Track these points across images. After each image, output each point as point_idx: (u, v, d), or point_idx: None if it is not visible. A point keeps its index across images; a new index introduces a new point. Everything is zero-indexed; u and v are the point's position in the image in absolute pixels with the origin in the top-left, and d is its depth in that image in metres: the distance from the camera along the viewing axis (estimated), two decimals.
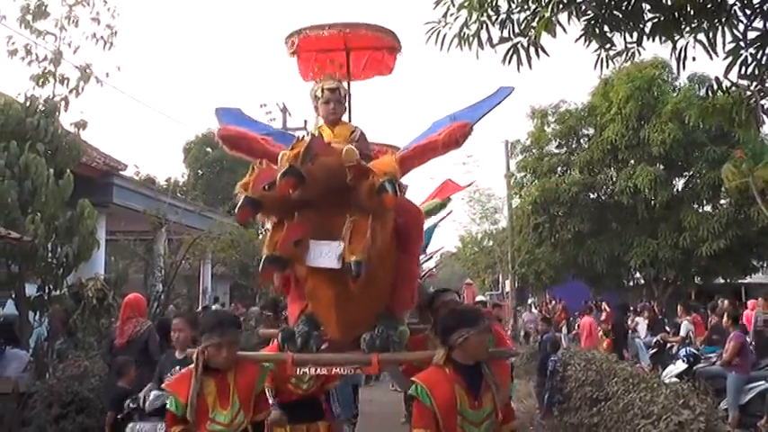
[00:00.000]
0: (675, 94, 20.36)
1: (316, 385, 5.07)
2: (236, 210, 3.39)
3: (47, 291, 9.17)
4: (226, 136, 3.97)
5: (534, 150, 24.17)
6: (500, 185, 26.99)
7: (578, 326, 20.05)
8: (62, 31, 9.69)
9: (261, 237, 22.00)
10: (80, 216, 9.12)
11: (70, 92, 9.60)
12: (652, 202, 20.43)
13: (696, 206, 20.49)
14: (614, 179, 21.65)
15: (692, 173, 20.65)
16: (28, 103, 9.23)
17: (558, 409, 9.44)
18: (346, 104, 4.53)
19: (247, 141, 3.99)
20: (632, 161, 20.86)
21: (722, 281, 22.00)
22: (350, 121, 4.62)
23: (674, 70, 19.62)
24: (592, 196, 22.53)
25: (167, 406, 3.72)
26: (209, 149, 38.28)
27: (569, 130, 23.10)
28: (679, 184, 21.37)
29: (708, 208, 20.70)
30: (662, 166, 20.21)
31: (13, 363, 8.20)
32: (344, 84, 4.54)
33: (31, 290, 9.12)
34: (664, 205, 20.11)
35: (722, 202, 19.90)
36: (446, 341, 3.47)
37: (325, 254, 3.36)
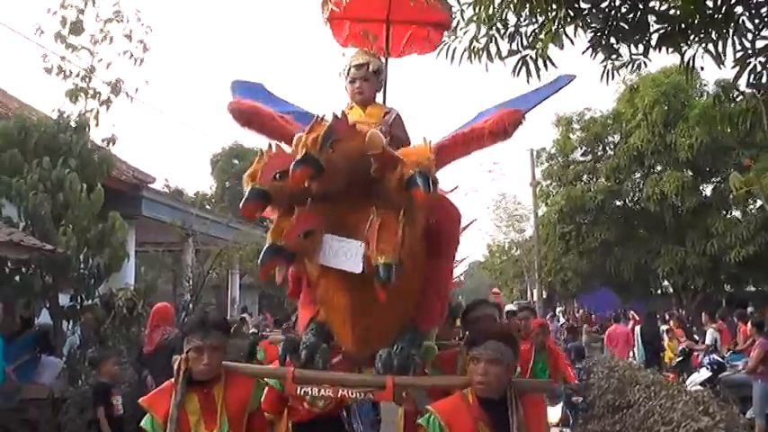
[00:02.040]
0: (703, 99, 20.23)
1: (334, 402, 4.04)
2: (241, 203, 2.90)
3: (79, 301, 9.41)
4: (236, 110, 3.55)
5: (560, 158, 24.17)
6: (526, 194, 26.97)
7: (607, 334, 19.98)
8: (96, 46, 9.88)
9: None
10: (111, 228, 9.36)
11: (101, 105, 9.84)
12: (679, 208, 20.32)
13: (724, 212, 20.28)
14: (641, 186, 21.57)
15: (720, 178, 20.48)
16: (60, 119, 9.50)
17: (581, 417, 9.46)
18: (381, 80, 4.00)
19: (261, 117, 3.56)
20: (659, 167, 20.80)
21: (753, 288, 21.71)
22: (384, 103, 4.08)
23: (699, 75, 19.49)
24: (618, 203, 22.45)
25: (141, 423, 3.13)
26: (236, 161, 38.76)
27: (595, 137, 23.07)
28: (707, 189, 21.24)
29: (736, 213, 20.48)
30: (689, 172, 20.11)
31: (48, 370, 8.47)
32: (380, 59, 4.01)
33: (64, 300, 9.37)
34: (691, 211, 20.00)
35: (750, 207, 19.67)
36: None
37: (344, 253, 2.87)
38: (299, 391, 3.17)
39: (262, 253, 2.84)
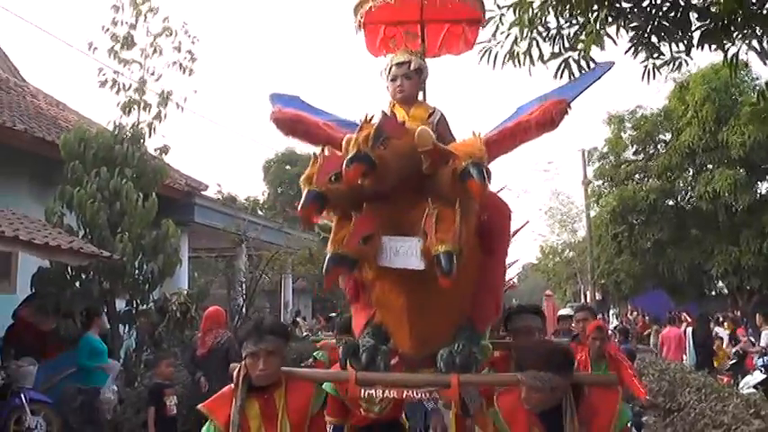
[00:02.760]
0: (755, 94, 19.71)
1: (391, 406, 4.13)
2: (299, 207, 2.87)
3: (135, 305, 9.79)
4: (280, 119, 3.55)
5: (611, 157, 23.92)
6: (578, 194, 26.66)
7: (661, 337, 19.60)
8: (146, 59, 10.28)
9: None
10: (165, 235, 9.70)
11: (154, 118, 10.21)
12: (733, 207, 19.89)
13: None
14: (693, 184, 21.17)
15: None
16: (116, 131, 9.89)
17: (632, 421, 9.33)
18: (423, 79, 3.91)
19: (305, 125, 3.56)
20: (711, 165, 20.40)
21: None
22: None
23: (753, 71, 19.06)
24: (670, 203, 22.08)
25: (203, 430, 3.11)
26: (288, 167, 39.22)
27: (646, 135, 22.76)
28: (762, 187, 20.82)
29: None
30: (742, 169, 19.62)
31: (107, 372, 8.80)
32: (421, 57, 3.92)
33: (120, 305, 9.75)
34: (746, 210, 19.55)
35: None
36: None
37: (403, 252, 2.85)
38: (362, 394, 3.19)
39: (325, 263, 2.81)
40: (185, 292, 10.78)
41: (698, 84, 19.81)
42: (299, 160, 38.47)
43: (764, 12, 4.59)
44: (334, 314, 9.33)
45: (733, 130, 19.17)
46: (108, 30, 10.14)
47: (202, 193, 15.64)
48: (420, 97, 3.92)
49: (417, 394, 3.14)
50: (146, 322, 9.86)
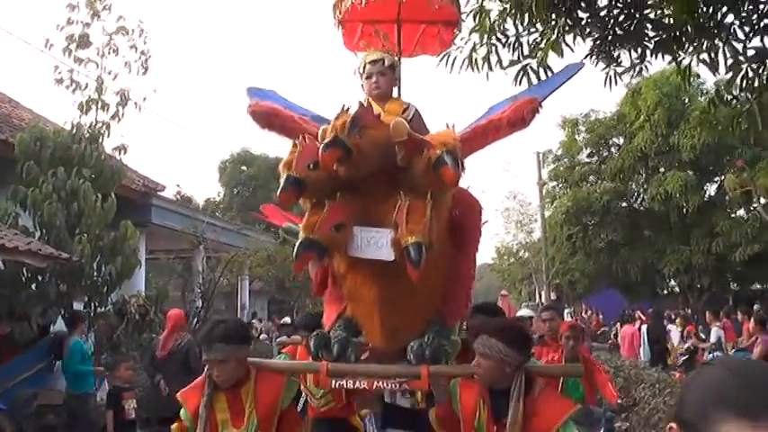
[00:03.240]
0: (703, 99, 20.33)
1: (335, 404, 4.15)
2: (278, 192, 2.91)
3: (93, 308, 9.62)
4: (257, 112, 3.57)
5: (566, 159, 24.34)
6: (533, 196, 27.07)
7: (614, 335, 20.08)
8: (103, 58, 10.13)
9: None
10: (123, 236, 9.58)
11: (111, 118, 10.07)
12: (684, 208, 20.43)
13: (728, 211, 20.37)
14: (645, 186, 21.70)
15: (722, 177, 20.57)
16: (74, 131, 9.73)
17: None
18: (397, 76, 3.97)
19: (281, 119, 3.57)
20: (663, 168, 20.88)
21: (759, 286, 21.79)
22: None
23: (701, 77, 19.65)
24: (623, 204, 22.58)
25: (180, 413, 3.25)
26: (244, 168, 38.86)
27: (599, 138, 23.22)
28: (710, 188, 21.42)
29: (741, 212, 20.58)
30: (692, 172, 20.17)
31: (63, 376, 8.67)
32: (393, 55, 3.98)
33: (77, 307, 9.55)
34: (696, 211, 20.11)
35: (755, 205, 19.82)
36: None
37: (374, 243, 2.90)
38: (333, 384, 3.19)
39: (295, 248, 2.86)
40: (144, 295, 10.66)
41: (650, 89, 20.30)
42: (255, 161, 38.28)
43: (712, 25, 4.80)
44: (288, 320, 9.30)
45: (684, 133, 19.68)
46: (63, 28, 9.97)
47: (159, 193, 15.48)
48: (395, 94, 3.97)
49: (388, 385, 3.18)
50: (104, 325, 9.72)
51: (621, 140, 22.97)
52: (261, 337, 16.42)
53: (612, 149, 23.51)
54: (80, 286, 9.37)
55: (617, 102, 23.09)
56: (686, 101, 20.27)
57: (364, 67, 3.82)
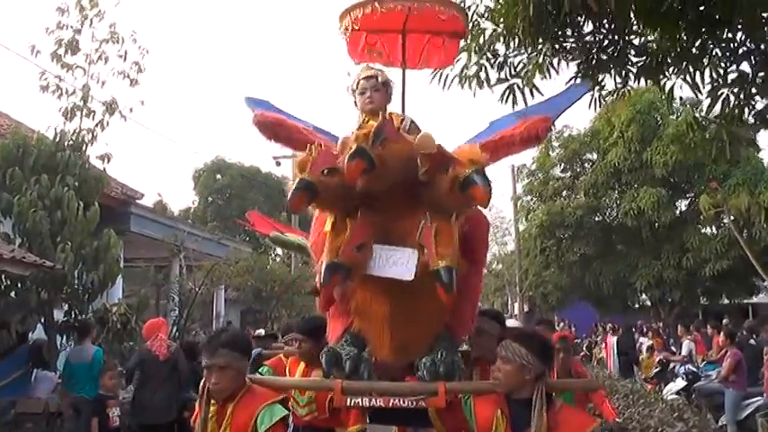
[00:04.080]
0: (675, 117, 20.71)
1: (318, 414, 4.11)
2: (289, 194, 2.87)
3: (73, 316, 9.57)
4: (262, 122, 3.57)
5: (540, 174, 24.58)
6: (507, 209, 27.41)
7: (585, 347, 20.43)
8: (91, 65, 10.06)
9: (273, 263, 22.42)
10: (106, 245, 9.55)
11: (96, 126, 10.02)
12: (656, 223, 20.73)
13: (699, 227, 20.78)
14: (618, 202, 22.00)
15: (694, 194, 20.99)
16: (58, 138, 9.67)
17: None
18: (390, 92, 3.94)
19: (287, 130, 3.60)
20: (635, 184, 21.15)
21: (727, 301, 22.22)
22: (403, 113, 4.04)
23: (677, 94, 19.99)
24: (597, 219, 22.87)
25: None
26: (218, 176, 38.70)
27: (573, 154, 23.52)
28: (682, 205, 21.77)
29: (711, 229, 20.98)
30: (665, 189, 20.50)
31: (43, 384, 8.62)
32: (391, 70, 4.02)
33: (58, 315, 9.53)
34: (667, 227, 20.38)
35: (725, 222, 20.25)
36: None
37: (394, 262, 2.89)
38: (349, 403, 3.13)
39: (323, 273, 2.84)
40: (125, 303, 10.63)
41: (624, 106, 20.53)
42: (229, 169, 38.20)
43: (694, 50, 5.00)
44: (262, 332, 9.39)
45: (656, 150, 19.94)
46: (52, 32, 9.89)
47: (138, 202, 15.43)
48: (398, 106, 4.03)
49: (404, 402, 3.07)
50: None
51: (595, 156, 23.31)
52: None
53: (586, 165, 23.84)
54: (61, 294, 9.33)
55: (591, 118, 23.46)
56: (659, 118, 20.60)
57: (358, 84, 3.86)
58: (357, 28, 3.94)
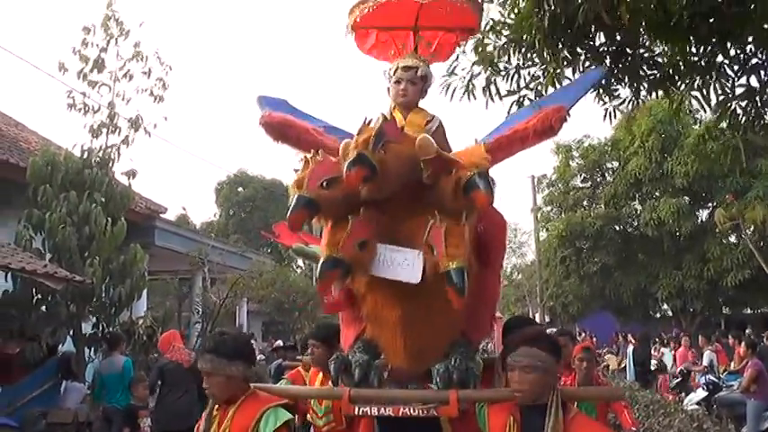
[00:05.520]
0: (697, 127, 20.63)
1: (335, 425, 3.87)
2: (288, 213, 2.74)
3: (101, 328, 9.81)
4: (269, 123, 3.44)
5: (560, 185, 24.63)
6: (527, 220, 27.44)
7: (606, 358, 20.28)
8: (116, 83, 10.34)
9: (295, 275, 22.60)
10: (132, 259, 9.79)
11: (122, 142, 10.30)
12: (677, 233, 20.68)
13: (720, 237, 20.67)
14: (639, 212, 21.98)
15: (714, 204, 20.85)
16: (85, 155, 9.96)
17: None
18: (426, 88, 3.73)
19: (295, 130, 3.44)
20: (656, 193, 21.14)
21: (750, 311, 22.03)
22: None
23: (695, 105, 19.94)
24: (617, 229, 22.84)
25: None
26: (240, 189, 38.98)
27: (593, 164, 23.54)
28: (703, 214, 21.66)
29: (732, 238, 20.86)
30: (685, 198, 20.45)
31: (72, 395, 8.80)
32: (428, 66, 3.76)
33: (86, 328, 9.77)
34: (688, 237, 20.34)
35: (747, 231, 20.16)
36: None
37: (399, 263, 2.75)
38: (357, 411, 2.98)
39: (319, 266, 2.72)
40: (150, 316, 10.85)
41: (644, 115, 20.58)
42: (251, 182, 38.54)
43: (703, 64, 5.10)
44: (280, 343, 9.45)
45: (677, 160, 19.92)
46: (78, 51, 10.19)
47: (162, 216, 15.68)
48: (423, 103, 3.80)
49: (415, 411, 2.92)
50: None
51: (615, 166, 23.27)
52: (258, 358, 16.59)
53: (606, 175, 23.84)
54: (89, 308, 9.57)
55: (611, 128, 23.43)
56: (680, 128, 20.54)
57: (395, 71, 3.64)
58: (364, 24, 3.78)
